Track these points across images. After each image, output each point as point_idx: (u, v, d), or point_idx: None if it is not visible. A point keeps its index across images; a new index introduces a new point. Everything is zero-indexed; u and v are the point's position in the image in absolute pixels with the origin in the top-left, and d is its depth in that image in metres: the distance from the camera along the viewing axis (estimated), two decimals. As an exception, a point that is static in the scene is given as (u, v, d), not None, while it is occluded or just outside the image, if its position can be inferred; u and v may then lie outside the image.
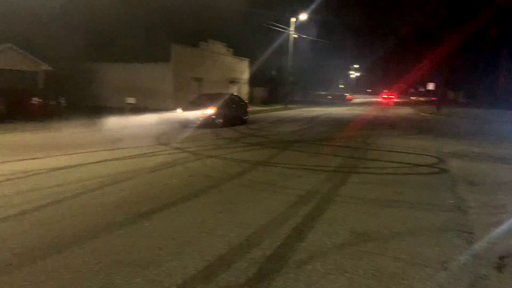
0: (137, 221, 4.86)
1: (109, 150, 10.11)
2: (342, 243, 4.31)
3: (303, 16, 36.80)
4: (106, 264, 3.68)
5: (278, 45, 36.88)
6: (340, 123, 21.13)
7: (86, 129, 14.59)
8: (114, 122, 16.05)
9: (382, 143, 12.49)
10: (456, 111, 32.76)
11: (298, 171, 8.15)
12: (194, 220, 4.95)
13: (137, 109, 19.61)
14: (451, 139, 14.25)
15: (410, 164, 9.19)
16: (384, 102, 61.44)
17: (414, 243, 4.35)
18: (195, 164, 8.69)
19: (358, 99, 72.32)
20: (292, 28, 36.66)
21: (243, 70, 37.70)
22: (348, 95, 64.55)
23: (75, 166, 8.04)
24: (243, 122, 18.80)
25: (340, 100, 56.85)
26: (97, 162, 8.51)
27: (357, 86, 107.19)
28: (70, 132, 13.84)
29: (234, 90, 32.27)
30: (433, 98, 42.85)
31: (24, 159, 8.58)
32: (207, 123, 16.25)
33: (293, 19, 36.44)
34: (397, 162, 9.35)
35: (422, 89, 76.11)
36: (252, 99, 39.09)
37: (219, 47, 32.64)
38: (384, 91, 76.92)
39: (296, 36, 37.64)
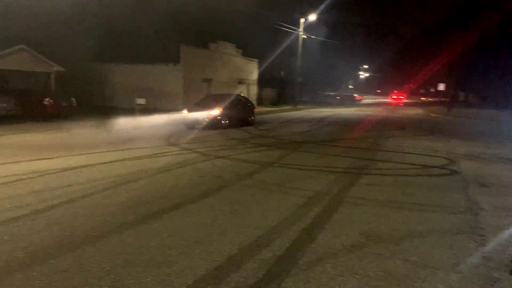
0: (148, 221, 4.90)
1: (120, 150, 10.19)
2: (352, 244, 4.30)
3: (312, 17, 36.69)
4: (117, 263, 3.72)
5: (287, 46, 36.81)
6: (349, 124, 21.04)
7: (97, 130, 14.71)
8: (124, 123, 16.16)
9: (392, 144, 12.42)
10: (467, 112, 32.42)
11: (308, 172, 8.14)
12: (204, 220, 4.98)
13: (147, 110, 19.74)
14: (462, 140, 14.12)
15: (420, 165, 9.12)
16: (393, 102, 61.01)
17: (425, 245, 4.32)
18: (205, 164, 8.73)
19: (367, 99, 71.91)
20: (301, 28, 36.59)
21: (252, 71, 37.71)
22: (357, 96, 64.19)
23: (86, 166, 8.13)
24: (250, 123, 18.57)
25: (349, 101, 56.54)
26: (108, 162, 8.59)
27: (367, 87, 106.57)
28: (81, 132, 13.98)
29: (243, 90, 32.31)
30: (443, 99, 42.45)
31: (36, 159, 8.69)
32: (213, 124, 16.12)
33: (302, 20, 36.36)
34: (408, 164, 9.28)
35: (432, 90, 75.54)
36: (261, 100, 39.08)
37: (229, 48, 32.70)
38: (394, 91, 76.39)
39: (305, 36, 37.55)
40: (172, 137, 13.32)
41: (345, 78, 79.90)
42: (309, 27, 38.16)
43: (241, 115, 18.06)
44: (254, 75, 38.16)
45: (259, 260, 3.82)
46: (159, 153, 10.02)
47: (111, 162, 8.65)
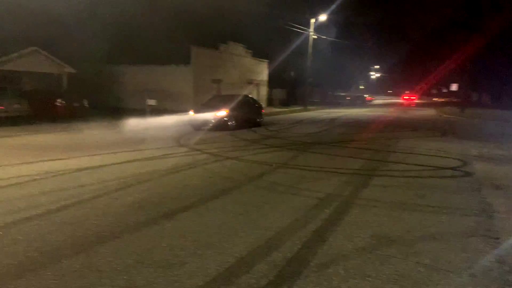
0: (159, 221, 4.93)
1: (131, 151, 10.26)
2: (363, 247, 4.26)
3: (323, 17, 36.54)
4: (129, 264, 3.74)
5: (297, 46, 36.70)
6: (360, 125, 20.91)
7: (108, 131, 14.85)
8: (135, 124, 16.27)
9: (404, 146, 12.30)
10: (481, 113, 31.97)
11: (319, 173, 8.10)
12: (214, 221, 4.98)
13: (158, 111, 19.85)
14: (476, 141, 13.91)
15: (433, 167, 9.01)
16: (405, 103, 60.40)
17: (438, 248, 4.26)
18: (215, 165, 8.75)
19: (378, 100, 71.39)
20: (311, 29, 36.48)
21: (262, 72, 37.72)
22: (367, 96, 63.69)
23: (98, 167, 8.20)
24: (257, 124, 18.29)
25: (360, 101, 56.14)
26: (119, 163, 8.66)
27: (378, 87, 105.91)
28: (92, 133, 14.13)
29: (253, 91, 32.33)
30: (455, 99, 41.94)
31: (48, 160, 8.80)
32: (219, 126, 15.88)
33: (312, 20, 36.25)
34: (420, 165, 9.18)
35: (445, 90, 74.68)
36: (271, 101, 39.05)
37: (239, 49, 32.76)
38: (406, 92, 75.68)
39: (315, 37, 37.44)
40: (182, 138, 13.37)
41: (356, 78, 79.49)
42: (319, 28, 38.06)
43: (248, 116, 17.78)
44: (264, 76, 38.16)
45: (270, 262, 3.81)
46: (169, 154, 10.07)
47: (122, 162, 8.72)
